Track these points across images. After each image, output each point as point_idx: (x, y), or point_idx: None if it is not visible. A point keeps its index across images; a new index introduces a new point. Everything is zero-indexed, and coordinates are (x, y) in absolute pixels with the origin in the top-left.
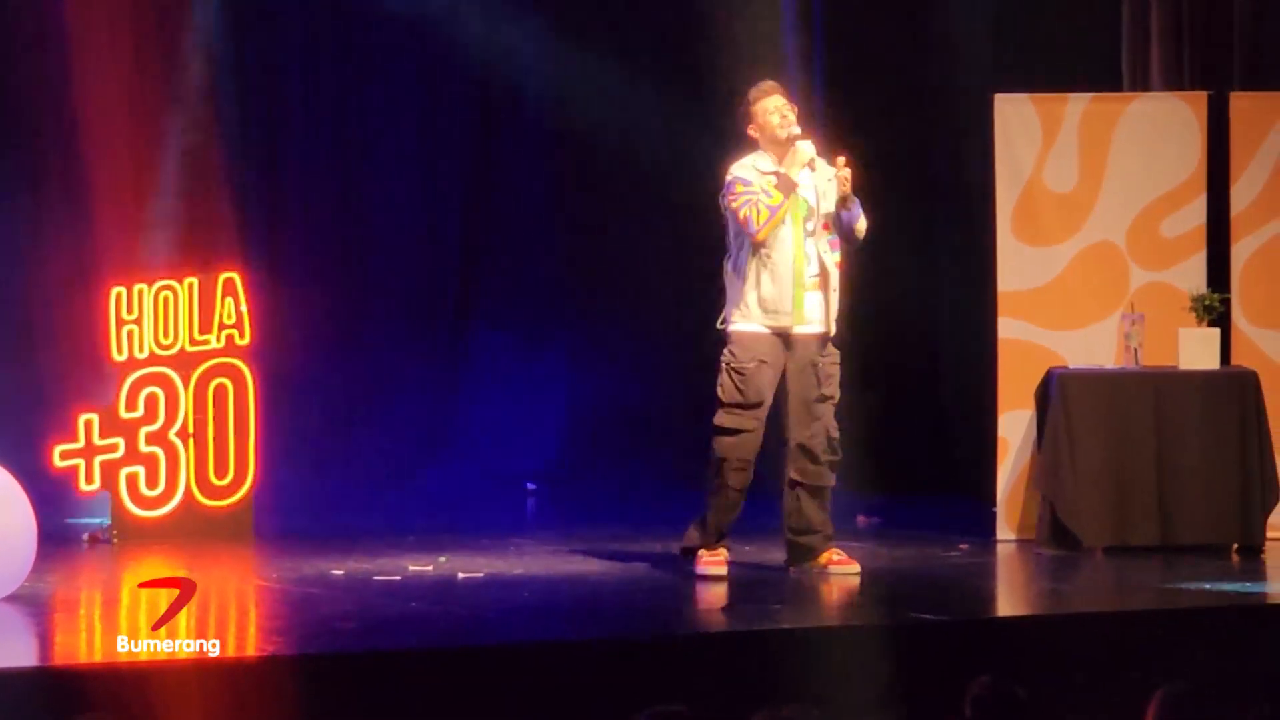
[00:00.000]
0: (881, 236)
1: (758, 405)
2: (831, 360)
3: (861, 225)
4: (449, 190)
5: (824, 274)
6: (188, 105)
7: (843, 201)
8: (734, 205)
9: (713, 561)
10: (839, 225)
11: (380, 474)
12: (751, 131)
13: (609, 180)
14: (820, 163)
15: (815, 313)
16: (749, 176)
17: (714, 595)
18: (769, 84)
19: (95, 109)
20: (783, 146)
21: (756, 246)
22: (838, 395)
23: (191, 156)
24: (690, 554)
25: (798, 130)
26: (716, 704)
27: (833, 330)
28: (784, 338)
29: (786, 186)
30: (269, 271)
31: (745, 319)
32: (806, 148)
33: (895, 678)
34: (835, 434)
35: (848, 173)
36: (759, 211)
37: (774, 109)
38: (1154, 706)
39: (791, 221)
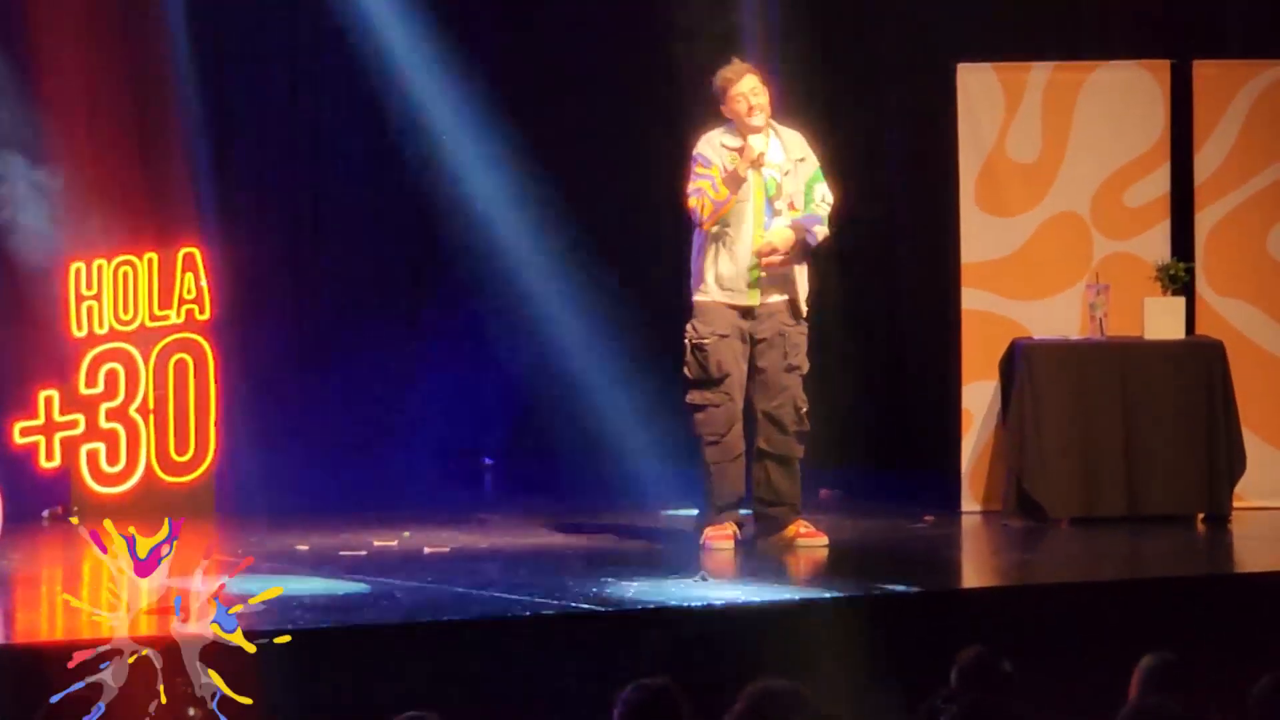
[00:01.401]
0: (843, 208)
1: (723, 379)
2: (799, 331)
3: (820, 232)
4: (404, 162)
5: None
6: (145, 79)
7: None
8: (688, 189)
9: (716, 536)
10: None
11: (338, 449)
12: (724, 111)
13: (568, 149)
14: (795, 141)
15: (779, 286)
16: (710, 155)
17: (685, 567)
18: (740, 65)
19: (53, 85)
20: (749, 129)
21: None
22: (806, 366)
23: (149, 130)
24: (700, 532)
25: (759, 121)
26: (699, 677)
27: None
28: (748, 310)
29: (734, 182)
30: (228, 247)
31: (704, 294)
32: (755, 143)
33: (872, 650)
34: (803, 405)
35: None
36: (703, 205)
37: (743, 95)
38: (1139, 675)
39: (754, 201)
